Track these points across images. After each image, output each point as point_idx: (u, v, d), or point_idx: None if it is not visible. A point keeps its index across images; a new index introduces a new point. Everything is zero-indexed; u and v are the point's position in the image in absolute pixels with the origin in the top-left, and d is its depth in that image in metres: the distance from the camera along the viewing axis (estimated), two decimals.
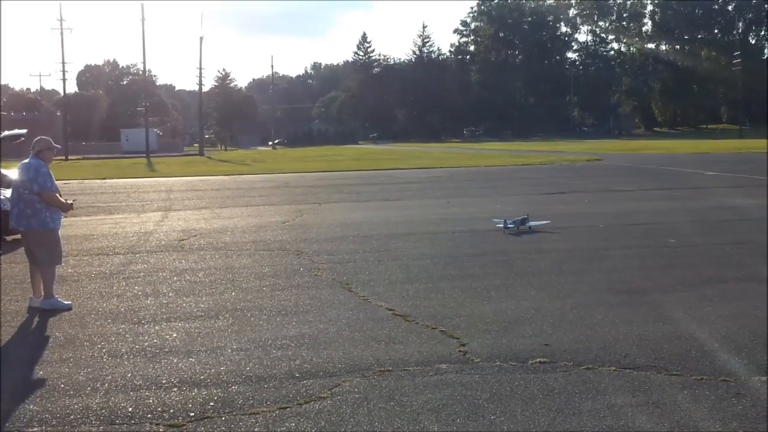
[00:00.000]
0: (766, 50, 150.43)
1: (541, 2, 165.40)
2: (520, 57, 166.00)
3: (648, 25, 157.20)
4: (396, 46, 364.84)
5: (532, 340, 7.94)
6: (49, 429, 5.94)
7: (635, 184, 28.53)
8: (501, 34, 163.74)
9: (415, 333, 8.33)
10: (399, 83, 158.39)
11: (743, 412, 5.95)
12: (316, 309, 9.57)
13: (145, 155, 77.18)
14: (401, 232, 16.43)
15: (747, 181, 28.60)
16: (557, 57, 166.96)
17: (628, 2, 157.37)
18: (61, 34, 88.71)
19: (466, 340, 7.96)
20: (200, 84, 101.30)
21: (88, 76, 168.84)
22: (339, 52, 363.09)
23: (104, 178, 41.57)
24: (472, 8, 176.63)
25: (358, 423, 5.90)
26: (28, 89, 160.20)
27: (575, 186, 28.44)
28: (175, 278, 11.83)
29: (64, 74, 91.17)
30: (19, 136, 18.00)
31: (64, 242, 11.20)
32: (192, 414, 6.14)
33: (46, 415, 6.19)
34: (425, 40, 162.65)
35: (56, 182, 10.29)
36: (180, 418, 6.08)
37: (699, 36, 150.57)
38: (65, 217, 10.78)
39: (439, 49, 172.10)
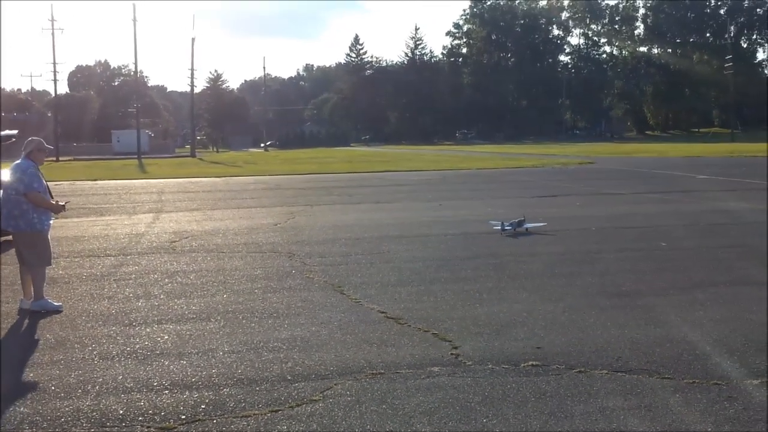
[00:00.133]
0: (758, 54, 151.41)
1: (533, 5, 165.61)
2: (512, 59, 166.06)
3: (640, 29, 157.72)
4: (388, 49, 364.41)
5: (524, 343, 7.94)
6: (39, 431, 5.92)
7: (627, 187, 28.59)
8: (493, 37, 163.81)
9: (407, 336, 8.32)
10: (391, 85, 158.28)
11: (735, 416, 5.96)
12: (308, 311, 9.55)
13: (136, 156, 76.93)
14: (393, 235, 16.42)
15: (739, 185, 28.69)
16: (550, 60, 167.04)
17: (621, 5, 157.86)
18: (53, 34, 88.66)
19: (458, 343, 7.95)
20: (192, 85, 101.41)
21: (80, 76, 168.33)
22: (331, 54, 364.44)
23: (95, 180, 41.46)
24: (464, 10, 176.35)
25: (350, 426, 5.88)
26: (19, 90, 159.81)
27: (567, 189, 28.47)
28: (166, 280, 11.80)
29: (55, 75, 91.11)
30: (9, 137, 17.94)
31: (55, 244, 11.17)
32: (183, 417, 6.12)
33: (37, 418, 6.16)
34: (418, 43, 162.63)
35: (47, 183, 10.23)
36: (171, 420, 6.06)
37: (691, 39, 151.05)
38: (56, 218, 10.73)
39: (431, 52, 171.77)
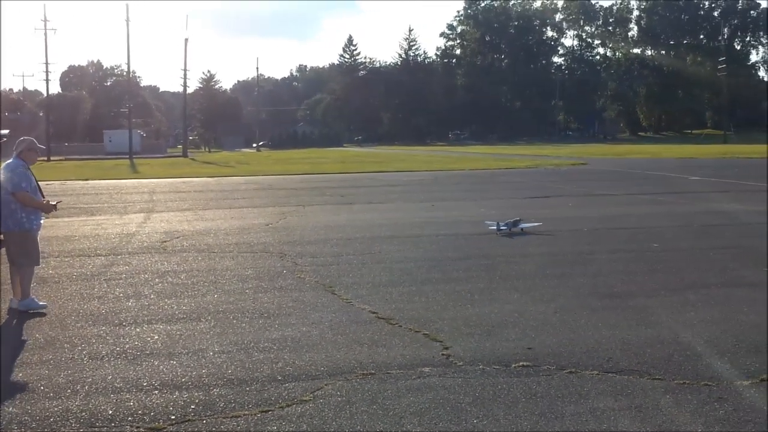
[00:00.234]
0: (751, 56, 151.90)
1: (527, 6, 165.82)
2: (506, 61, 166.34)
3: (634, 30, 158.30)
4: (382, 50, 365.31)
5: (515, 344, 7.93)
6: (28, 431, 5.89)
7: (620, 189, 28.62)
8: (487, 38, 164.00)
9: (398, 336, 8.30)
10: (384, 86, 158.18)
11: (725, 417, 5.96)
12: (299, 312, 9.53)
13: (128, 157, 76.80)
14: (385, 235, 16.41)
15: (732, 186, 28.75)
16: (543, 61, 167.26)
17: (615, 7, 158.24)
18: (45, 34, 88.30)
19: (449, 344, 7.94)
20: (185, 85, 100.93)
21: (72, 76, 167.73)
22: (325, 54, 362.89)
23: (87, 179, 41.35)
24: (458, 12, 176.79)
25: (340, 426, 5.87)
26: (11, 89, 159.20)
27: (560, 190, 28.50)
28: (157, 280, 11.76)
29: (47, 75, 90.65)
30: (0, 136, 17.90)
31: (45, 243, 11.13)
32: (173, 417, 6.10)
33: (26, 418, 6.12)
34: (411, 44, 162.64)
35: (39, 183, 10.18)
36: (161, 420, 6.03)
37: (685, 41, 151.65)
38: (46, 218, 10.69)
39: (425, 53, 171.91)
